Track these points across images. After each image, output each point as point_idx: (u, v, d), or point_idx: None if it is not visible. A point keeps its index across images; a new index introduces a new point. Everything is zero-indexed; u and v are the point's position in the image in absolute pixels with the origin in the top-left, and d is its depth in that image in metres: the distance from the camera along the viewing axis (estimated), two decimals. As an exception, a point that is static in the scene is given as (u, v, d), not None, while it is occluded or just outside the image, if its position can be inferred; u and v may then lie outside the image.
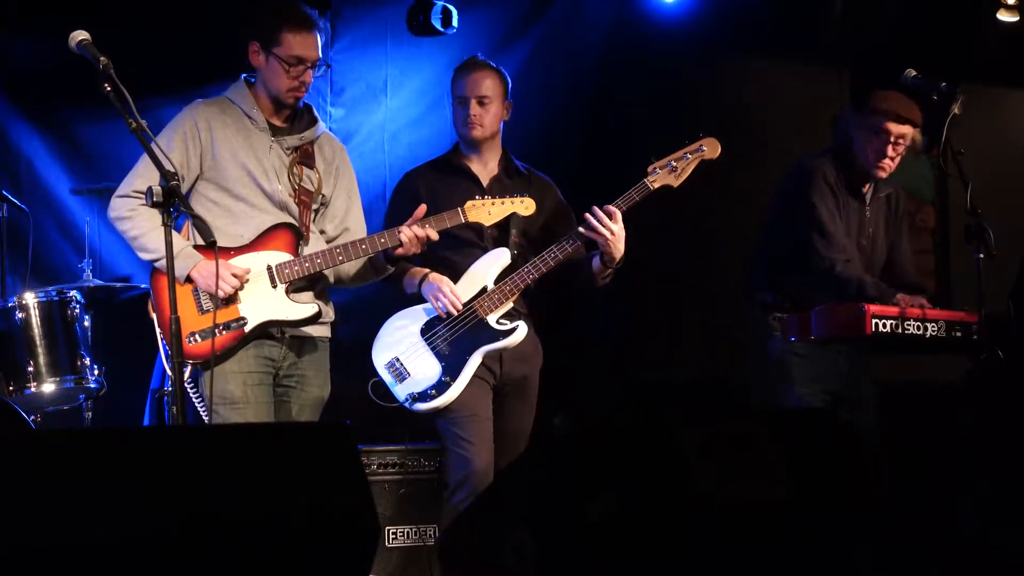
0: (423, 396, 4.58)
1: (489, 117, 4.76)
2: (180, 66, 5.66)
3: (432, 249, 4.69)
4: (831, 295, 4.85)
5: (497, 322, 4.64)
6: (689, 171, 4.69)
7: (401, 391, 4.60)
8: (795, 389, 4.89)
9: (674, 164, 4.67)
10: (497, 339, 4.63)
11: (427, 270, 4.67)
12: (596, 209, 4.59)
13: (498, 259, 4.71)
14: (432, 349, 4.62)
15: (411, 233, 4.32)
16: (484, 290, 4.66)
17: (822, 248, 4.87)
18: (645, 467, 2.75)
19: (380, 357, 4.65)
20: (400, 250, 4.35)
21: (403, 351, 4.63)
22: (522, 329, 4.65)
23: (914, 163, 5.34)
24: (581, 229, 4.60)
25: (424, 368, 4.61)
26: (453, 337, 4.62)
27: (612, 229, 4.57)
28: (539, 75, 6.31)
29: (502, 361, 4.72)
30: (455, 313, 4.59)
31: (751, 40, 6.82)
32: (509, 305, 4.67)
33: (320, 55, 4.30)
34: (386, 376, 4.62)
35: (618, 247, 4.61)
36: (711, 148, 4.71)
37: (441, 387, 4.58)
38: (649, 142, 6.65)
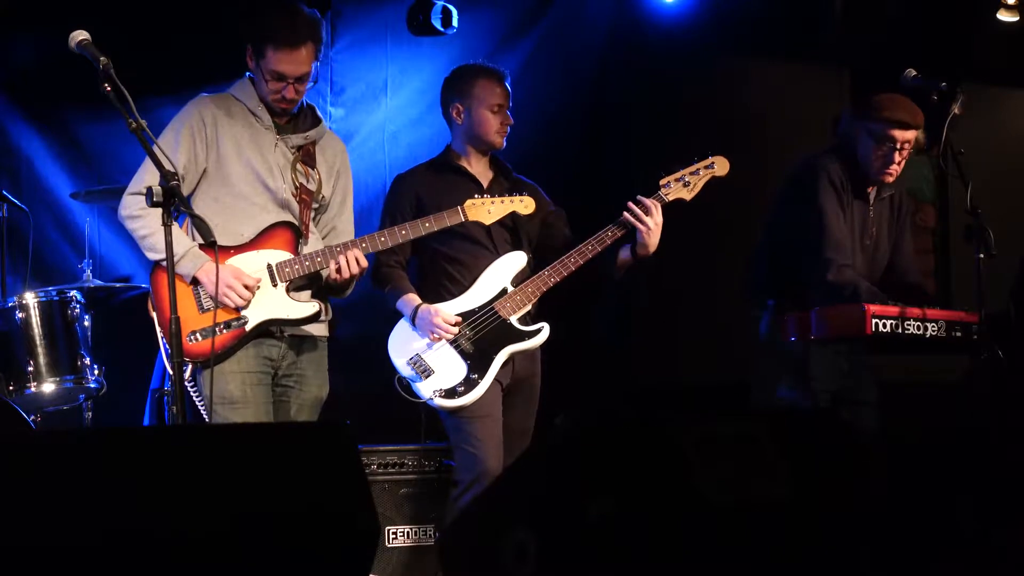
0: (451, 392, 4.58)
1: None
2: (180, 66, 5.66)
3: (440, 249, 4.72)
4: (827, 298, 4.85)
5: (519, 322, 4.66)
6: (700, 186, 4.79)
7: (426, 387, 4.59)
8: (795, 389, 4.89)
9: (687, 179, 4.75)
10: (523, 339, 4.67)
11: (418, 300, 4.67)
12: (641, 199, 4.65)
13: (515, 261, 4.75)
14: (455, 347, 4.62)
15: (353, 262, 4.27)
16: (504, 291, 4.68)
17: (823, 248, 4.87)
18: (645, 467, 2.75)
19: (400, 354, 4.65)
20: (334, 270, 4.28)
21: (424, 348, 4.63)
22: (546, 331, 4.69)
23: (914, 163, 5.34)
24: (626, 219, 4.64)
25: (449, 365, 4.61)
26: (476, 336, 4.63)
27: (657, 220, 4.64)
28: (539, 75, 6.32)
29: (514, 361, 4.73)
30: (453, 336, 4.59)
31: (751, 40, 6.82)
32: (528, 307, 4.70)
33: (309, 69, 4.27)
34: (408, 372, 4.62)
35: (655, 240, 4.67)
36: (721, 166, 4.81)
37: (470, 384, 4.59)
38: (649, 143, 6.74)
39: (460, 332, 4.62)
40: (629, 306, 6.50)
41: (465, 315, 4.65)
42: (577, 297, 4.98)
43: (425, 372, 4.60)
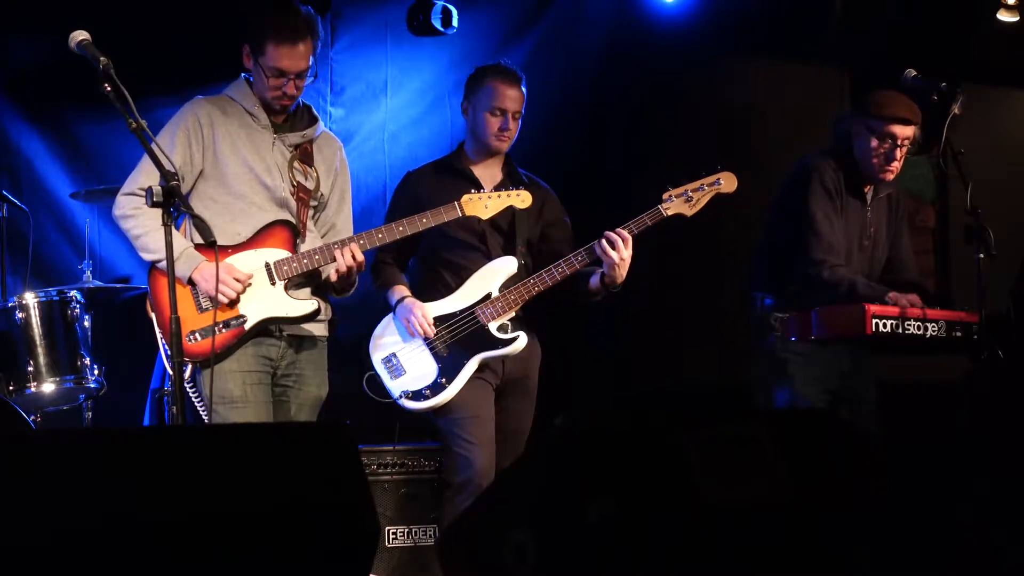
0: (417, 395, 4.59)
1: (516, 131, 4.79)
2: (180, 66, 5.66)
3: (435, 250, 4.71)
4: (824, 298, 4.85)
5: (498, 329, 4.65)
6: (704, 202, 4.74)
7: (395, 387, 4.61)
8: (796, 389, 4.89)
9: (690, 194, 4.71)
10: (497, 347, 4.64)
11: (407, 292, 4.68)
12: (610, 234, 4.59)
13: (505, 267, 4.72)
14: (430, 349, 4.62)
15: (348, 255, 4.26)
16: (488, 296, 4.67)
17: (814, 250, 4.87)
18: (645, 467, 2.75)
19: (377, 352, 4.66)
20: (335, 269, 4.29)
21: (400, 348, 4.64)
22: (522, 339, 4.65)
23: (914, 163, 5.34)
24: (595, 249, 4.60)
25: (421, 367, 4.61)
26: (452, 340, 4.62)
27: (623, 256, 4.59)
28: (539, 75, 6.30)
29: (504, 362, 4.72)
30: (425, 336, 4.59)
31: (751, 40, 6.82)
32: (511, 314, 4.68)
33: (308, 65, 4.27)
34: (381, 371, 4.63)
35: (622, 273, 4.63)
36: (728, 182, 4.76)
37: (436, 388, 4.59)
38: (649, 143, 6.73)
39: (437, 334, 4.61)
40: (629, 308, 6.50)
41: (446, 317, 4.64)
42: (571, 298, 4.97)
43: (396, 372, 4.61)
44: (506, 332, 4.66)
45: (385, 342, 4.67)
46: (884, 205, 5.12)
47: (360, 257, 4.29)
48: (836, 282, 4.82)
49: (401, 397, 4.60)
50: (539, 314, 4.83)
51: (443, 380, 4.59)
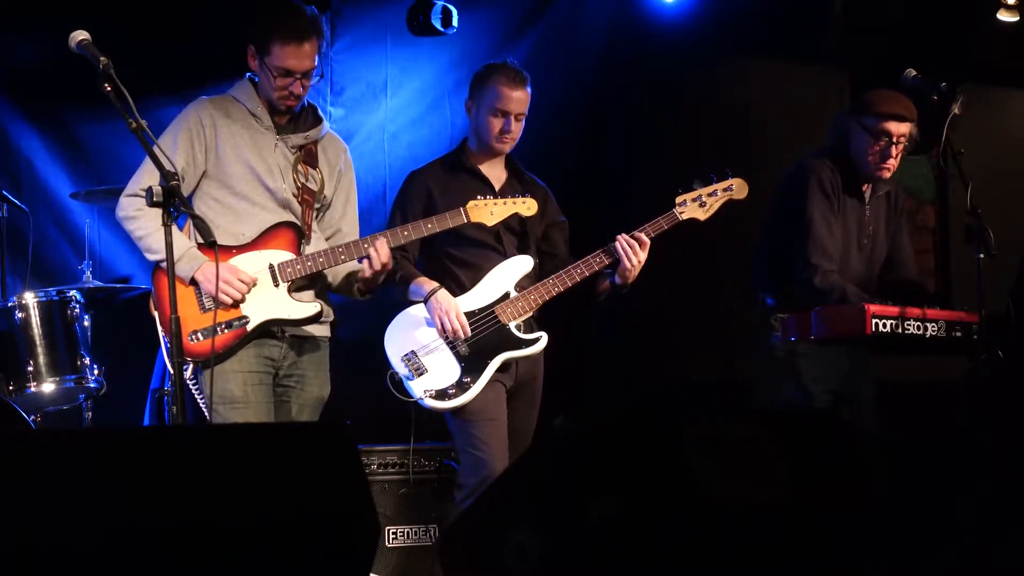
0: (442, 394, 4.55)
1: (519, 132, 4.78)
2: (180, 66, 5.66)
3: (449, 248, 4.70)
4: (814, 303, 4.85)
5: (517, 328, 4.64)
6: (716, 207, 4.78)
7: (417, 386, 4.56)
8: (796, 389, 4.89)
9: (704, 199, 4.73)
10: (520, 347, 4.63)
11: (437, 284, 4.65)
12: (629, 238, 4.62)
13: (521, 266, 4.72)
14: (451, 348, 4.59)
15: (384, 251, 4.27)
16: (507, 295, 4.66)
17: (809, 254, 4.87)
18: (646, 467, 2.75)
19: (395, 348, 4.61)
20: (364, 267, 4.30)
21: (420, 345, 4.60)
22: (544, 340, 4.65)
23: (914, 163, 5.34)
24: (615, 251, 4.62)
25: (443, 366, 4.58)
26: (473, 339, 4.60)
27: (640, 258, 4.61)
28: (539, 75, 6.29)
29: (517, 364, 4.72)
30: (459, 338, 4.57)
31: (751, 40, 6.83)
32: (531, 314, 4.68)
33: (314, 64, 4.27)
34: (401, 368, 4.58)
35: (635, 275, 4.66)
36: (739, 189, 4.81)
37: (462, 387, 4.55)
38: (649, 143, 6.73)
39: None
40: (630, 307, 6.50)
41: (466, 315, 4.63)
42: (578, 298, 4.98)
43: (418, 370, 4.57)
44: (522, 331, 4.66)
45: (402, 338, 4.62)
46: (883, 203, 5.12)
47: (389, 260, 4.28)
48: (828, 289, 4.82)
49: (425, 396, 4.55)
50: (546, 312, 4.83)
51: (467, 379, 4.56)
